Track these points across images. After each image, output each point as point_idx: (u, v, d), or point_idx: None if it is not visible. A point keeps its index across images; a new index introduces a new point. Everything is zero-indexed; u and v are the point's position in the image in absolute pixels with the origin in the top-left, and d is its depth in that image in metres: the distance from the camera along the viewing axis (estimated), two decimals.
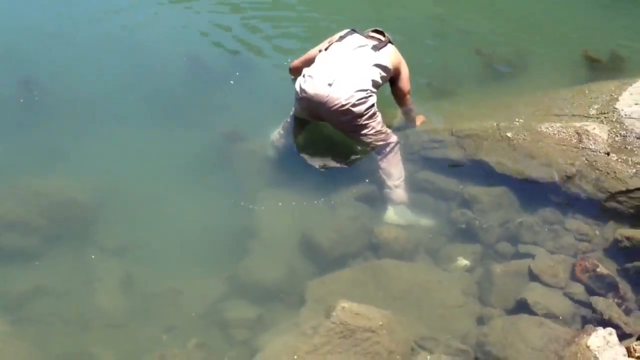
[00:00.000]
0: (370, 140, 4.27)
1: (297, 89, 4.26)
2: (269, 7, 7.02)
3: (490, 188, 4.21)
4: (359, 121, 4.17)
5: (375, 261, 3.79)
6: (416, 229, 4.04)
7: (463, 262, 3.82)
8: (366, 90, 4.14)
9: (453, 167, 4.37)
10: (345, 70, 4.17)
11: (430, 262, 3.86)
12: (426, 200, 4.27)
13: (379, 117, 4.27)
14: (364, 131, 4.22)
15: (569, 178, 4.11)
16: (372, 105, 4.19)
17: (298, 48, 5.80)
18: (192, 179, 4.44)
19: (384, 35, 4.56)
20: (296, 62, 4.83)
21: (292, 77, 4.87)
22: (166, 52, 5.87)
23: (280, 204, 4.19)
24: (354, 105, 4.09)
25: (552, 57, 6.06)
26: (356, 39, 4.41)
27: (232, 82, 5.42)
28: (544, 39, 6.34)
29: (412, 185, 4.32)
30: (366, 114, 4.16)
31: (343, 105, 4.08)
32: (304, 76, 4.25)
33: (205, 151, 4.69)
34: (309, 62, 4.48)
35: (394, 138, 4.36)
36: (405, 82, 4.56)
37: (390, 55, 4.41)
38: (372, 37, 4.50)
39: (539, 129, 4.39)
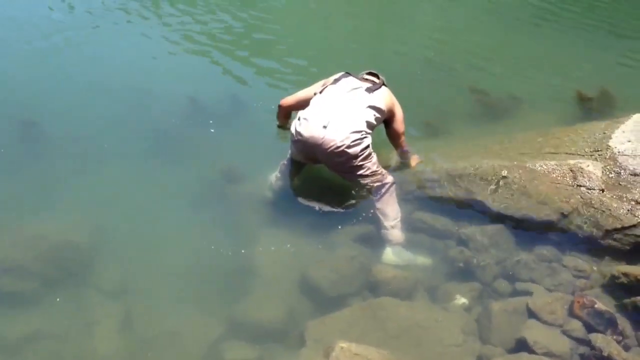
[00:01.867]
0: (366, 181, 4.31)
1: (293, 131, 4.31)
2: (266, 48, 7.16)
3: (486, 226, 4.24)
4: (355, 162, 4.21)
5: (373, 300, 3.79)
6: (414, 268, 4.05)
7: (461, 300, 3.82)
8: (361, 131, 4.19)
9: (449, 206, 4.41)
10: (339, 112, 4.22)
11: (429, 300, 3.86)
12: (423, 240, 4.29)
13: (374, 158, 4.31)
14: (360, 172, 4.26)
15: (565, 216, 4.15)
16: (367, 147, 4.23)
17: (295, 89, 5.91)
18: (190, 219, 4.46)
19: (378, 78, 4.65)
20: (287, 99, 4.87)
21: (278, 114, 4.99)
22: (163, 92, 5.98)
23: (278, 244, 4.20)
24: (349, 146, 4.14)
25: (544, 96, 6.17)
26: (350, 81, 4.49)
27: (225, 123, 5.51)
28: (536, 78, 6.46)
29: (409, 224, 4.34)
30: (361, 155, 4.20)
31: (338, 147, 4.13)
32: (299, 119, 4.31)
33: (202, 191, 4.72)
34: (302, 104, 4.57)
35: (389, 178, 4.39)
36: (399, 124, 4.63)
37: (384, 97, 4.48)
38: (366, 80, 4.58)
39: (534, 167, 4.45)
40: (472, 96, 6.07)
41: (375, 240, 4.23)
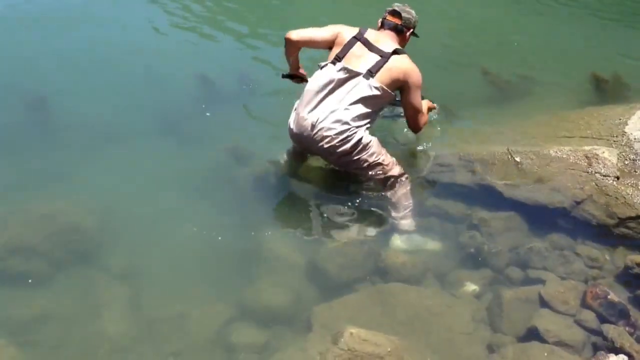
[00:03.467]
0: (368, 173, 4.23)
1: (289, 124, 4.25)
2: (277, 25, 7.08)
3: (499, 212, 4.18)
4: (350, 157, 4.12)
5: (382, 285, 3.74)
6: (424, 254, 4.00)
7: (472, 287, 3.77)
8: (349, 127, 4.04)
9: (461, 192, 4.35)
10: (327, 107, 4.07)
11: (439, 287, 3.81)
12: (434, 225, 4.23)
13: (372, 149, 4.15)
14: (358, 165, 4.17)
15: (579, 203, 4.08)
16: (359, 140, 4.07)
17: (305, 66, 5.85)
18: (199, 201, 4.42)
19: (400, 26, 4.27)
20: (294, 35, 4.29)
21: (285, 52, 4.47)
22: (172, 70, 5.98)
23: (286, 227, 4.18)
24: (338, 145, 4.05)
25: (558, 79, 6.07)
26: (358, 52, 4.14)
27: (235, 102, 5.48)
28: (549, 61, 6.36)
29: (420, 210, 4.29)
30: (354, 150, 4.09)
31: (328, 145, 4.06)
32: (294, 109, 4.24)
33: (212, 172, 4.68)
34: (310, 44, 4.32)
35: (396, 170, 4.25)
36: (414, 96, 4.16)
37: (392, 69, 4.08)
38: (377, 49, 4.15)
39: (548, 153, 4.38)
40: (485, 79, 5.97)
41: (385, 226, 4.19)
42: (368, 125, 4.16)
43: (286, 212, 4.33)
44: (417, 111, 4.24)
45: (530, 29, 7.12)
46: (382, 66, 4.08)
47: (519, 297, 3.63)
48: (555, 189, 4.17)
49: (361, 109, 4.06)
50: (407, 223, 4.17)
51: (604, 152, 4.30)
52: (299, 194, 4.44)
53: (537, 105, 5.42)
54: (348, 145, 4.06)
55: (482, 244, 3.99)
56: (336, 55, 4.17)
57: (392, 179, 4.24)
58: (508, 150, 4.46)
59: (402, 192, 4.26)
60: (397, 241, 4.07)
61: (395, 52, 4.13)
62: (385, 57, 4.10)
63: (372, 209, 4.30)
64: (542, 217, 4.10)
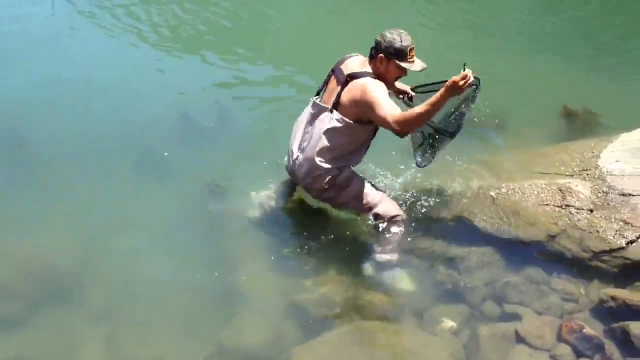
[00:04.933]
0: (354, 210, 4.27)
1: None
2: (254, 58, 7.14)
3: (475, 248, 4.22)
4: (328, 194, 4.18)
5: (362, 323, 3.75)
6: (402, 291, 4.02)
7: (449, 323, 3.79)
8: (317, 166, 4.04)
9: (437, 227, 4.38)
10: (301, 143, 4.13)
11: (417, 324, 3.81)
12: (411, 261, 4.25)
13: (352, 187, 4.15)
14: (341, 202, 4.24)
15: (553, 237, 4.13)
16: (334, 178, 4.08)
17: (286, 100, 5.92)
18: (176, 240, 4.43)
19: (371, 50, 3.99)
20: None
21: None
22: (148, 105, 6.03)
23: (265, 266, 4.18)
24: (311, 182, 4.13)
25: (530, 114, 6.17)
26: (331, 85, 4.05)
27: (213, 137, 5.51)
28: (521, 96, 6.46)
29: (398, 246, 4.31)
30: (330, 187, 4.12)
31: (304, 182, 4.18)
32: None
33: (190, 210, 4.70)
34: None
35: (385, 208, 4.23)
36: (376, 112, 3.78)
37: (347, 99, 3.90)
38: (354, 68, 3.99)
39: (523, 187, 4.44)
40: None
41: (365, 263, 4.20)
42: (344, 163, 4.13)
43: (265, 249, 4.32)
44: (387, 122, 3.75)
45: (497, 63, 7.21)
46: (340, 96, 3.96)
47: (496, 333, 3.66)
48: (530, 223, 4.22)
49: (329, 144, 4.00)
50: (388, 261, 4.18)
51: (577, 186, 4.37)
52: (278, 231, 4.44)
53: (511, 140, 5.49)
54: (322, 182, 4.09)
55: (459, 280, 4.03)
56: (318, 89, 4.23)
57: (382, 218, 4.25)
58: (482, 185, 4.52)
59: (391, 232, 4.26)
60: (377, 279, 4.08)
61: (352, 76, 3.91)
62: (342, 85, 3.95)
63: (351, 246, 4.31)
64: (517, 252, 4.14)
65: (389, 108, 3.75)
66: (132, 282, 4.10)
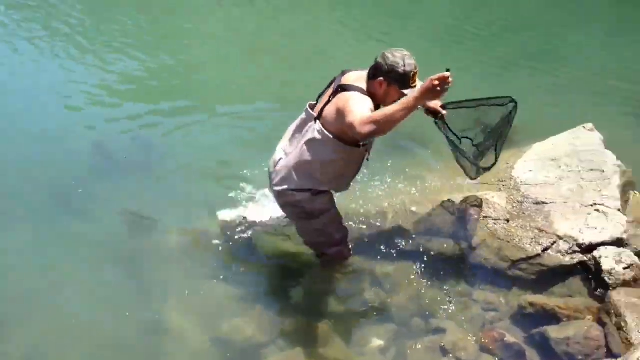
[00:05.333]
0: (301, 235, 4.19)
1: None
2: (174, 88, 7.16)
3: (400, 264, 4.30)
4: (290, 211, 4.03)
5: (290, 351, 3.77)
6: (330, 314, 4.05)
7: (377, 342, 3.85)
8: (293, 181, 3.82)
9: (361, 246, 4.44)
10: (285, 150, 3.91)
11: (345, 345, 3.86)
12: (340, 283, 4.29)
13: (321, 219, 3.95)
14: (296, 223, 4.13)
15: (474, 249, 4.26)
16: (305, 203, 3.86)
17: (203, 129, 5.90)
18: (99, 278, 4.35)
19: (370, 71, 3.67)
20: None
21: None
22: (66, 138, 5.91)
23: (190, 300, 4.13)
24: (282, 196, 3.92)
25: None
26: (325, 95, 3.79)
27: (133, 170, 5.44)
28: None
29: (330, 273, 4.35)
30: (298, 210, 3.93)
31: (275, 191, 3.94)
32: None
33: (112, 245, 4.63)
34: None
35: (336, 250, 4.17)
36: (347, 119, 3.39)
37: (331, 110, 3.61)
38: (353, 82, 3.67)
39: (442, 200, 4.56)
40: None
41: (291, 290, 4.22)
42: (324, 187, 3.88)
43: (189, 282, 4.29)
44: (351, 128, 3.35)
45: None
46: (326, 106, 3.68)
47: (422, 348, 3.74)
48: (451, 236, 4.34)
49: (309, 158, 3.72)
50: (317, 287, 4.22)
51: (493, 197, 4.52)
52: (204, 263, 4.42)
53: (430, 155, 5.62)
54: (291, 200, 3.89)
55: (386, 298, 4.09)
56: (319, 94, 3.90)
57: (328, 257, 4.24)
58: (404, 200, 4.62)
59: (328, 265, 4.26)
60: (306, 304, 4.11)
61: (343, 88, 3.61)
62: (332, 95, 3.67)
63: (276, 275, 4.33)
64: (440, 265, 4.25)
65: (358, 113, 3.36)
66: (55, 326, 4.00)
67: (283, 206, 4.03)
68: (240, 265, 4.38)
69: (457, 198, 4.57)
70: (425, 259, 4.30)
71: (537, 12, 9.91)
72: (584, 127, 5.03)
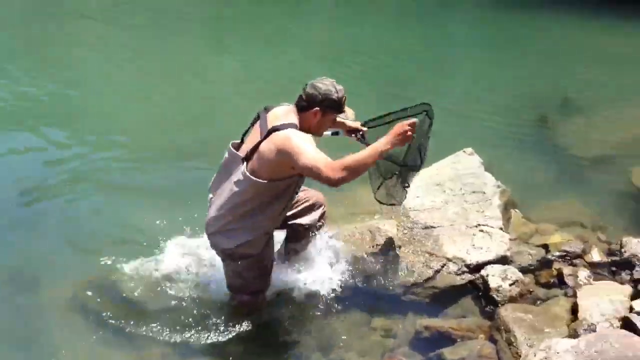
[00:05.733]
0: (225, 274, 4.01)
1: None
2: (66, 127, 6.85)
3: (298, 297, 4.25)
4: (222, 253, 3.86)
5: None
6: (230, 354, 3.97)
7: None
8: (220, 224, 3.71)
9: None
10: (213, 193, 3.81)
11: None
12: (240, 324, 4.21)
13: (245, 263, 3.81)
14: (223, 263, 3.94)
15: (370, 277, 4.32)
16: (225, 249, 3.77)
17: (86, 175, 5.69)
18: None
19: (300, 102, 3.64)
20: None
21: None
22: None
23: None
24: (217, 237, 3.77)
25: None
26: (252, 133, 3.71)
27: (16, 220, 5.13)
28: None
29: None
30: (229, 253, 3.80)
31: (210, 237, 3.84)
32: None
33: None
34: None
35: (251, 298, 4.02)
36: (300, 161, 3.36)
37: (264, 151, 3.50)
38: (281, 118, 3.60)
39: (340, 230, 4.61)
40: None
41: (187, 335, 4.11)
42: (257, 227, 3.70)
43: (79, 341, 4.05)
44: (316, 169, 3.32)
45: None
46: (257, 148, 3.55)
47: None
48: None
49: (237, 199, 3.61)
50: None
51: (384, 225, 4.63)
52: (94, 321, 4.17)
53: None
54: (219, 247, 3.79)
55: (284, 336, 4.05)
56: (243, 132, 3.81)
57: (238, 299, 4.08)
58: None
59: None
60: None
61: (275, 129, 3.50)
62: (262, 136, 3.55)
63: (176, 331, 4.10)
64: (339, 297, 4.26)
65: (317, 155, 3.35)
66: None
67: (215, 247, 3.89)
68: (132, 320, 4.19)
69: (349, 228, 4.65)
70: (323, 292, 4.29)
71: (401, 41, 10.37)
72: (464, 151, 5.28)
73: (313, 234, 4.20)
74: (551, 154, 6.20)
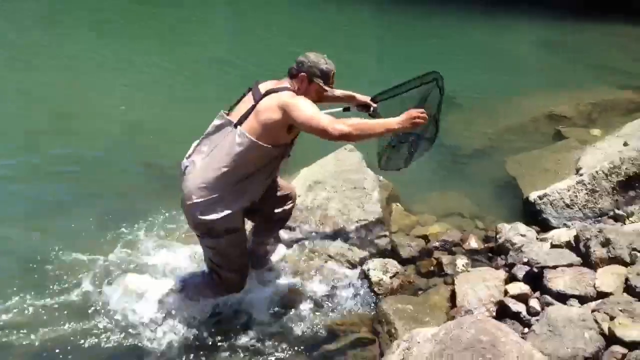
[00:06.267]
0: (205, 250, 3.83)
1: None
2: None
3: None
4: (198, 228, 3.64)
5: None
6: None
7: None
8: (204, 192, 3.50)
9: None
10: (193, 158, 3.61)
11: None
12: None
13: (227, 240, 3.63)
14: (201, 239, 3.73)
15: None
16: (215, 221, 3.52)
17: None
18: None
19: (292, 69, 3.67)
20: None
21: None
22: None
23: None
24: (192, 209, 3.56)
25: None
26: (243, 102, 3.65)
27: None
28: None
29: None
30: (207, 227, 3.58)
31: (187, 204, 3.59)
32: None
33: None
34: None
35: (228, 275, 3.80)
36: (299, 117, 3.39)
37: (260, 112, 3.48)
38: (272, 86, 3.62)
39: None
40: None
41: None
42: (237, 197, 3.55)
43: None
44: (314, 124, 3.35)
45: None
46: (251, 111, 3.52)
47: None
48: None
49: (224, 163, 3.48)
50: None
51: None
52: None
53: None
54: (200, 217, 3.54)
55: None
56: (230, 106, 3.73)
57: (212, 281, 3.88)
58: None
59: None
60: None
61: (271, 91, 3.54)
62: (257, 100, 3.54)
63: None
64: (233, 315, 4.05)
65: (318, 111, 3.41)
66: None
67: (190, 221, 3.67)
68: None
69: None
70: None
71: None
72: (344, 148, 5.29)
73: (279, 227, 4.22)
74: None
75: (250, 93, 3.63)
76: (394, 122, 3.46)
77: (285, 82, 3.64)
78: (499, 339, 2.72)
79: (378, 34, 11.80)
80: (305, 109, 3.40)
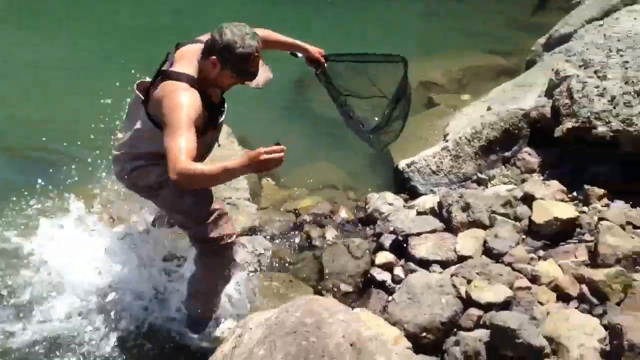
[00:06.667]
0: (183, 224, 3.46)
1: None
2: None
3: None
4: (158, 194, 3.26)
5: None
6: None
7: None
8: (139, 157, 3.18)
9: None
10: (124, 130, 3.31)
11: None
12: None
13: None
14: (172, 207, 3.35)
15: None
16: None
17: None
18: None
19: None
20: None
21: None
22: None
23: None
24: (138, 178, 3.24)
25: None
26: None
27: None
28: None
29: None
30: (162, 186, 3.16)
31: (128, 178, 3.28)
32: None
33: None
34: None
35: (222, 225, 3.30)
36: (165, 134, 2.86)
37: (153, 100, 3.05)
38: (183, 61, 3.09)
39: None
40: None
41: None
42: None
43: None
44: (172, 157, 2.76)
45: None
46: (152, 91, 3.07)
47: None
48: None
49: (143, 141, 3.14)
50: None
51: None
52: None
53: None
54: (149, 180, 3.18)
55: None
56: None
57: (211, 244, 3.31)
58: None
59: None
60: None
61: (167, 75, 3.02)
62: (153, 78, 3.13)
63: None
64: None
65: (182, 139, 2.77)
66: None
67: (148, 196, 3.34)
68: None
69: None
70: None
71: None
72: None
73: None
74: (303, 120, 6.19)
75: (167, 62, 3.16)
76: (237, 164, 2.76)
77: (196, 60, 3.06)
78: (324, 321, 2.57)
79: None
80: (174, 133, 2.81)
